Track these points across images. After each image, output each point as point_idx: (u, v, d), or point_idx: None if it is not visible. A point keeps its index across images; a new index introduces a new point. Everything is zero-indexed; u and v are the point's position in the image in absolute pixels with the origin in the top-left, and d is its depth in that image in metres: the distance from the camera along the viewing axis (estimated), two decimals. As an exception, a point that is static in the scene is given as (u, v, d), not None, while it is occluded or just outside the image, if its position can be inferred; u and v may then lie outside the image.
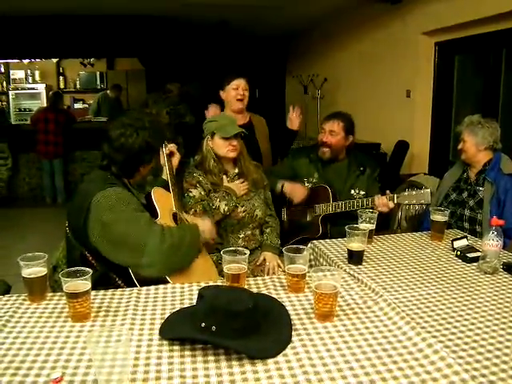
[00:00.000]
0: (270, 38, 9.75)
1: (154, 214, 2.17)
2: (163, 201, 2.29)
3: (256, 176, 2.91)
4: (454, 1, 4.68)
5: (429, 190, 2.70)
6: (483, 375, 1.29)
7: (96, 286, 1.83)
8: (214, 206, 2.71)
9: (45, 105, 8.78)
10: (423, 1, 5.24)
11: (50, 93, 7.87)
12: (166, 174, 2.54)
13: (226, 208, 2.72)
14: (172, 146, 2.59)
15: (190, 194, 2.72)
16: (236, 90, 3.38)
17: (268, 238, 2.91)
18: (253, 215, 2.84)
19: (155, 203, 2.22)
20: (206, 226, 2.36)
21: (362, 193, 3.12)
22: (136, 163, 2.18)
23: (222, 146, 2.77)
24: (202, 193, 2.73)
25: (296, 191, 3.15)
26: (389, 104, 6.16)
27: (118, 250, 1.97)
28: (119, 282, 2.02)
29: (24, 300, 1.77)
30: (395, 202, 2.75)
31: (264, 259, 2.82)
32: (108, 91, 8.98)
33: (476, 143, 2.84)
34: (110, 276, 2.03)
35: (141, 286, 1.96)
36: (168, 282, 1.99)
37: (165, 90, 6.76)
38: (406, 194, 2.75)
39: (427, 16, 5.21)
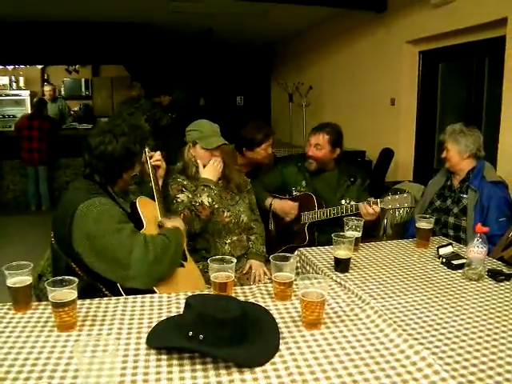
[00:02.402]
0: (255, 46, 9.80)
1: (139, 223, 2.15)
2: (148, 210, 2.27)
3: (239, 181, 2.91)
4: (438, 10, 4.74)
5: (411, 194, 2.73)
6: (470, 381, 1.30)
7: (82, 296, 1.82)
8: (197, 202, 2.62)
9: (29, 111, 8.70)
10: (407, 10, 5.31)
11: (34, 99, 7.81)
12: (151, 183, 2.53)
13: (210, 199, 2.63)
14: (157, 155, 2.57)
15: (178, 200, 2.70)
16: (266, 151, 3.42)
17: (254, 246, 2.91)
18: (238, 220, 2.84)
19: (140, 213, 2.19)
20: (180, 223, 2.35)
21: (353, 203, 3.12)
22: (118, 170, 2.16)
23: (204, 157, 2.75)
24: (190, 196, 2.71)
25: (287, 209, 3.17)
26: (374, 112, 6.21)
27: (102, 262, 1.95)
28: (106, 292, 2.00)
29: (9, 309, 1.75)
30: (379, 206, 2.76)
31: (250, 267, 2.82)
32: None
33: (459, 151, 2.88)
34: (95, 286, 2.01)
35: (127, 295, 1.95)
36: (155, 293, 1.98)
37: (133, 98, 6.78)
38: (389, 198, 2.77)
39: (411, 25, 5.28)
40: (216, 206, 2.70)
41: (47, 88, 8.70)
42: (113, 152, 2.09)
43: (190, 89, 8.50)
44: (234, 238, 2.85)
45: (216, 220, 2.76)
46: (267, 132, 3.44)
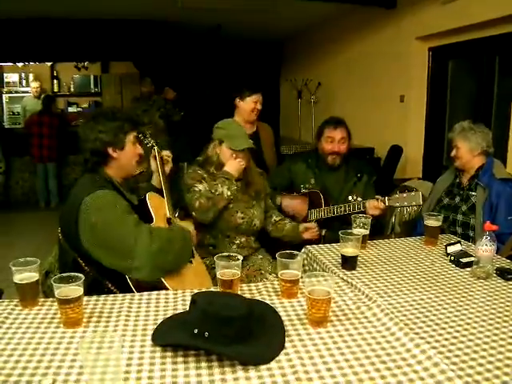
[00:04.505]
0: (264, 43, 9.76)
1: (149, 218, 2.17)
2: (157, 205, 2.29)
3: (259, 187, 2.92)
4: (448, 6, 4.70)
5: (420, 192, 2.71)
6: (476, 381, 1.29)
7: (89, 291, 1.83)
8: (218, 191, 2.67)
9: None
10: (417, 6, 5.27)
11: (42, 96, 7.83)
12: (157, 180, 2.54)
13: (229, 193, 2.68)
14: (167, 154, 2.60)
15: (196, 189, 2.72)
16: (255, 104, 3.59)
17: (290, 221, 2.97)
18: (250, 224, 2.84)
19: (150, 208, 2.22)
20: (189, 225, 2.37)
21: (359, 199, 3.12)
22: (101, 145, 2.14)
23: (228, 157, 2.77)
24: (207, 188, 2.74)
25: (298, 209, 3.19)
26: (383, 109, 6.18)
27: (108, 253, 1.97)
28: (112, 288, 2.01)
29: (16, 305, 1.76)
30: (386, 204, 2.76)
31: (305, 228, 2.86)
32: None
33: (470, 149, 2.85)
34: (102, 282, 2.02)
35: (137, 290, 1.96)
36: (165, 286, 2.00)
37: (146, 95, 6.78)
38: (397, 195, 2.76)
39: (421, 21, 5.24)
40: (231, 206, 2.75)
41: (34, 85, 8.67)
42: (92, 131, 2.14)
43: (198, 85, 8.50)
44: (243, 239, 2.85)
45: (228, 219, 2.77)
46: (258, 88, 3.68)
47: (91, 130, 2.14)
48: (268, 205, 3.02)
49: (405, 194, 2.74)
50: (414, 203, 2.76)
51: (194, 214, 2.68)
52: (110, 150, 2.16)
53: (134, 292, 1.96)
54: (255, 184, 2.91)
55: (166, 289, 2.00)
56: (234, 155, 2.75)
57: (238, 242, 2.84)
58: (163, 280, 2.02)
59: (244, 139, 2.79)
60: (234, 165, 2.74)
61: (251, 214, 2.84)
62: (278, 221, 2.98)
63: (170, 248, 2.03)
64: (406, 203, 2.77)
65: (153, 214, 2.20)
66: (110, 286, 2.02)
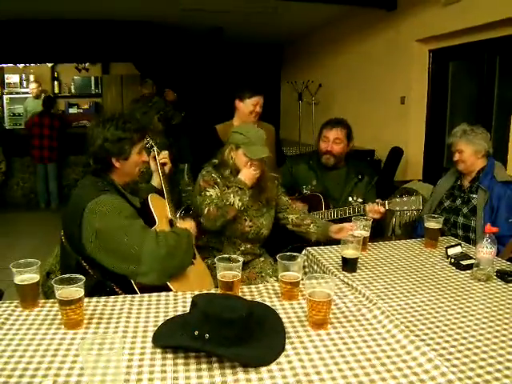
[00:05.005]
0: (264, 45, 9.77)
1: (151, 220, 2.17)
2: (159, 207, 2.28)
3: (271, 195, 2.86)
4: (448, 8, 4.70)
5: (420, 196, 2.71)
6: (476, 383, 1.29)
7: (93, 293, 1.83)
8: (229, 201, 2.60)
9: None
10: (417, 8, 5.27)
11: (43, 97, 7.84)
12: (157, 180, 2.53)
13: (240, 203, 2.61)
14: (165, 155, 2.58)
15: (207, 193, 2.66)
16: (255, 106, 3.51)
17: (317, 223, 2.86)
18: (258, 232, 2.80)
19: (153, 210, 2.21)
20: (190, 225, 2.36)
21: (360, 200, 3.11)
22: (104, 153, 2.11)
23: (243, 163, 2.69)
24: (219, 194, 2.68)
25: None
26: (383, 111, 6.18)
27: (113, 259, 1.96)
28: (116, 290, 2.01)
29: (16, 307, 1.75)
30: (386, 207, 2.75)
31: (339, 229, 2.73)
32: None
33: (474, 152, 2.84)
34: (106, 284, 2.01)
35: (141, 292, 1.96)
36: (168, 288, 2.00)
37: (147, 97, 6.76)
38: (397, 200, 2.76)
39: (421, 23, 5.24)
40: (240, 214, 2.70)
41: (32, 85, 8.68)
42: (98, 136, 2.10)
43: (198, 86, 8.50)
44: (248, 245, 2.82)
45: (236, 227, 2.74)
46: (259, 90, 3.59)
47: (98, 135, 2.10)
48: (281, 205, 2.95)
49: (405, 198, 2.74)
50: (413, 207, 2.75)
51: (201, 220, 2.62)
52: (114, 160, 2.14)
53: (137, 293, 1.96)
54: (267, 191, 2.83)
55: (170, 290, 2.00)
56: (249, 163, 2.67)
57: (243, 248, 2.80)
58: (170, 285, 2.02)
59: (261, 147, 2.70)
60: (247, 174, 2.66)
61: (260, 223, 2.79)
62: (297, 221, 2.91)
63: (176, 252, 2.03)
64: (405, 207, 2.77)
65: (155, 217, 2.19)
66: (114, 287, 2.02)
